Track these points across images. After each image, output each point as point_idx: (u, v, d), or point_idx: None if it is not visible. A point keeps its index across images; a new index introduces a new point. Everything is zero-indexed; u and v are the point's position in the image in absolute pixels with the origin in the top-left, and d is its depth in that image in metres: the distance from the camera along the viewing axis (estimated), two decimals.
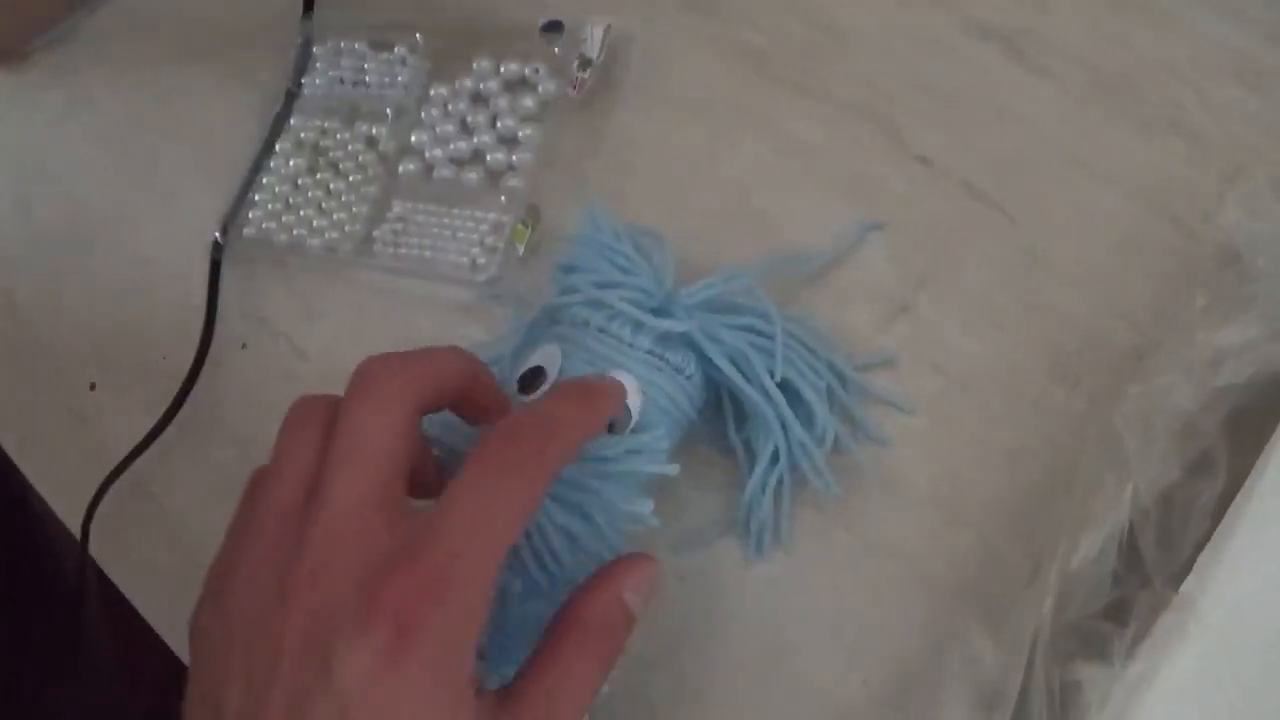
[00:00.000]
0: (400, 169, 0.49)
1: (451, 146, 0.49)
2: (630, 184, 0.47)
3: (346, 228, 0.48)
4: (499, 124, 0.48)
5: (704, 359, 0.37)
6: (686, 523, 0.40)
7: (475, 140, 0.48)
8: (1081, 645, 0.32)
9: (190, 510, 0.46)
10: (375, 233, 0.48)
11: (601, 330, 0.36)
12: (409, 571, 0.26)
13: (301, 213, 0.50)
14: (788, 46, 0.48)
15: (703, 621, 0.38)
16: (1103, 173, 0.42)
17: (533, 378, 0.35)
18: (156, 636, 0.43)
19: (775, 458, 0.38)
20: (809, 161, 0.45)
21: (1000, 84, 0.45)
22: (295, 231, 0.49)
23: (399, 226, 0.48)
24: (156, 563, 0.45)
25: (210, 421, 0.47)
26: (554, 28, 0.49)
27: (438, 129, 0.49)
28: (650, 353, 0.36)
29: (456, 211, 0.47)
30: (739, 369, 0.37)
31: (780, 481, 0.38)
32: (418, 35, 0.52)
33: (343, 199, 0.49)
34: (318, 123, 0.52)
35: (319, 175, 0.51)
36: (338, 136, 0.51)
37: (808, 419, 0.38)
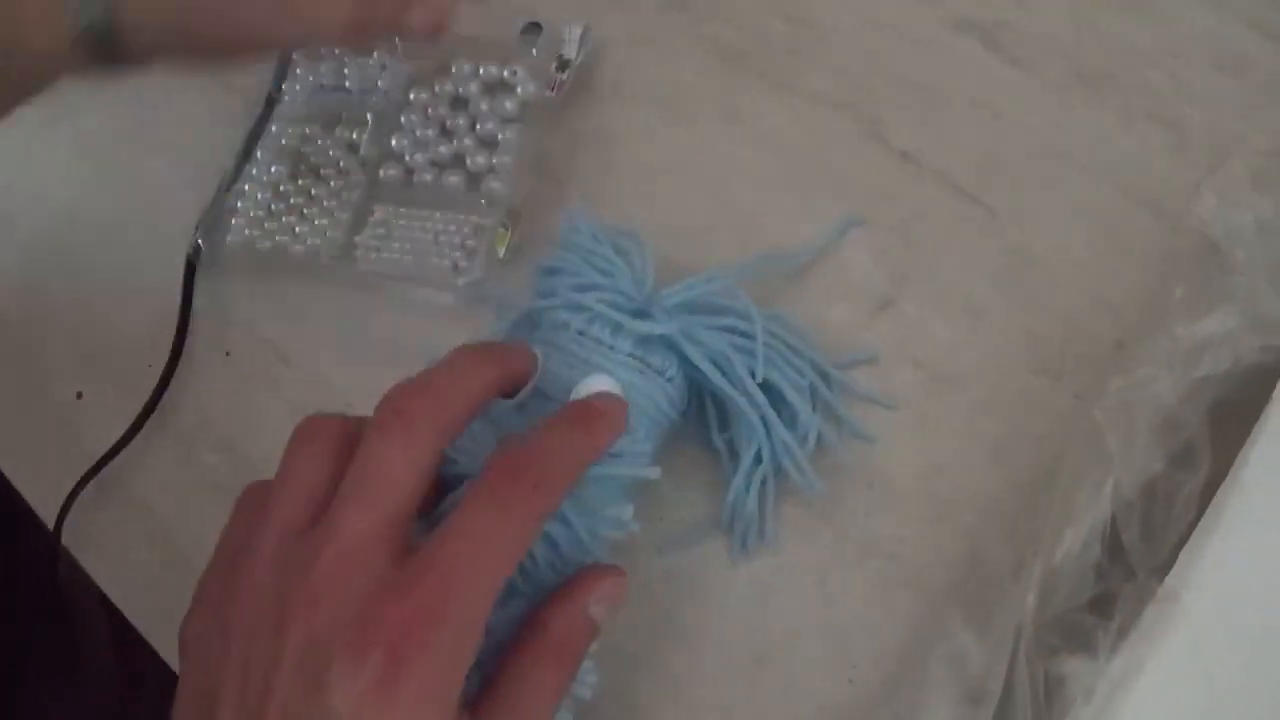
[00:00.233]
0: (381, 174, 0.49)
1: (432, 151, 0.48)
2: (610, 184, 0.47)
3: (328, 233, 0.48)
4: (479, 127, 0.48)
5: (685, 361, 0.37)
6: (671, 523, 0.40)
7: (455, 144, 0.48)
8: (1066, 639, 0.32)
9: (177, 514, 0.46)
10: (357, 238, 0.48)
11: (581, 333, 0.36)
12: (405, 601, 0.26)
13: (283, 219, 0.50)
14: (767, 44, 0.48)
15: (690, 621, 0.38)
16: (1083, 164, 0.42)
17: None
18: None
19: (759, 458, 0.38)
20: (790, 159, 0.45)
21: (980, 77, 0.45)
22: (277, 238, 0.49)
23: (381, 231, 0.48)
24: (143, 567, 0.45)
25: (195, 427, 0.47)
26: (533, 29, 0.49)
27: (418, 133, 0.49)
28: (631, 355, 0.36)
29: (438, 215, 0.47)
30: (721, 370, 0.37)
31: (764, 481, 0.38)
32: (397, 40, 0.52)
33: (324, 205, 0.49)
34: (298, 129, 0.52)
35: (300, 181, 0.50)
36: (319, 142, 0.51)
37: (791, 419, 0.38)
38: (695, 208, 0.45)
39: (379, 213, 0.48)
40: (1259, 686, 0.30)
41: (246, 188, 0.51)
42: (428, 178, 0.48)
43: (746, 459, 0.37)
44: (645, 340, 0.36)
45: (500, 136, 0.48)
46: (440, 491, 0.32)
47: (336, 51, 0.53)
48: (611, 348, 0.36)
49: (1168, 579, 0.31)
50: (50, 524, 0.46)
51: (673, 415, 0.37)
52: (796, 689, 0.36)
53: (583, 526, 0.32)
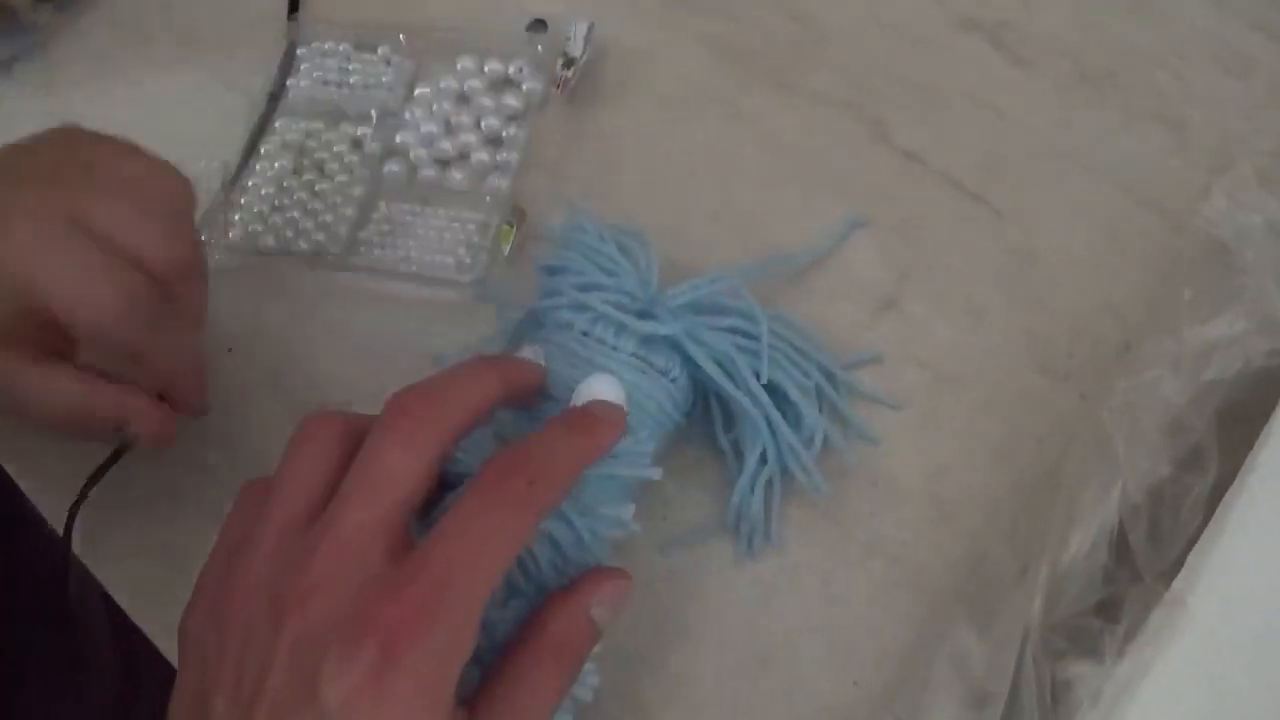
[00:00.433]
0: (385, 170, 0.49)
1: (436, 147, 0.48)
2: (615, 182, 0.47)
3: (332, 230, 0.48)
4: (483, 124, 0.48)
5: (689, 361, 0.37)
6: (675, 523, 0.39)
7: (460, 140, 0.48)
8: (1072, 642, 0.32)
9: (178, 514, 0.46)
10: (361, 234, 0.48)
11: (585, 334, 0.36)
12: (399, 598, 0.26)
13: (287, 215, 0.49)
14: (772, 43, 0.48)
15: (694, 621, 0.38)
16: (1086, 164, 0.42)
17: None
18: None
19: (764, 459, 0.37)
20: (794, 158, 0.45)
21: (983, 77, 0.44)
22: (281, 234, 0.49)
23: (385, 228, 0.47)
24: (144, 566, 0.45)
25: (197, 423, 0.47)
26: (538, 26, 0.49)
27: (422, 129, 0.49)
28: (634, 356, 0.35)
29: (442, 212, 0.47)
30: (725, 371, 0.37)
31: (770, 483, 0.38)
32: (401, 36, 0.51)
33: (328, 201, 0.49)
34: (302, 125, 0.51)
35: (304, 177, 0.50)
36: (322, 138, 0.51)
37: (795, 420, 0.37)
38: (698, 206, 0.45)
39: (383, 209, 0.48)
40: (1265, 691, 0.30)
41: (250, 184, 0.51)
42: (431, 174, 0.48)
43: (751, 460, 0.37)
44: (649, 340, 0.36)
45: (505, 133, 0.48)
46: (441, 491, 0.32)
47: (340, 47, 0.52)
48: (615, 348, 0.35)
49: (1174, 583, 0.31)
50: (60, 528, 0.46)
51: (676, 416, 0.37)
52: (799, 690, 0.36)
53: (584, 526, 0.32)
